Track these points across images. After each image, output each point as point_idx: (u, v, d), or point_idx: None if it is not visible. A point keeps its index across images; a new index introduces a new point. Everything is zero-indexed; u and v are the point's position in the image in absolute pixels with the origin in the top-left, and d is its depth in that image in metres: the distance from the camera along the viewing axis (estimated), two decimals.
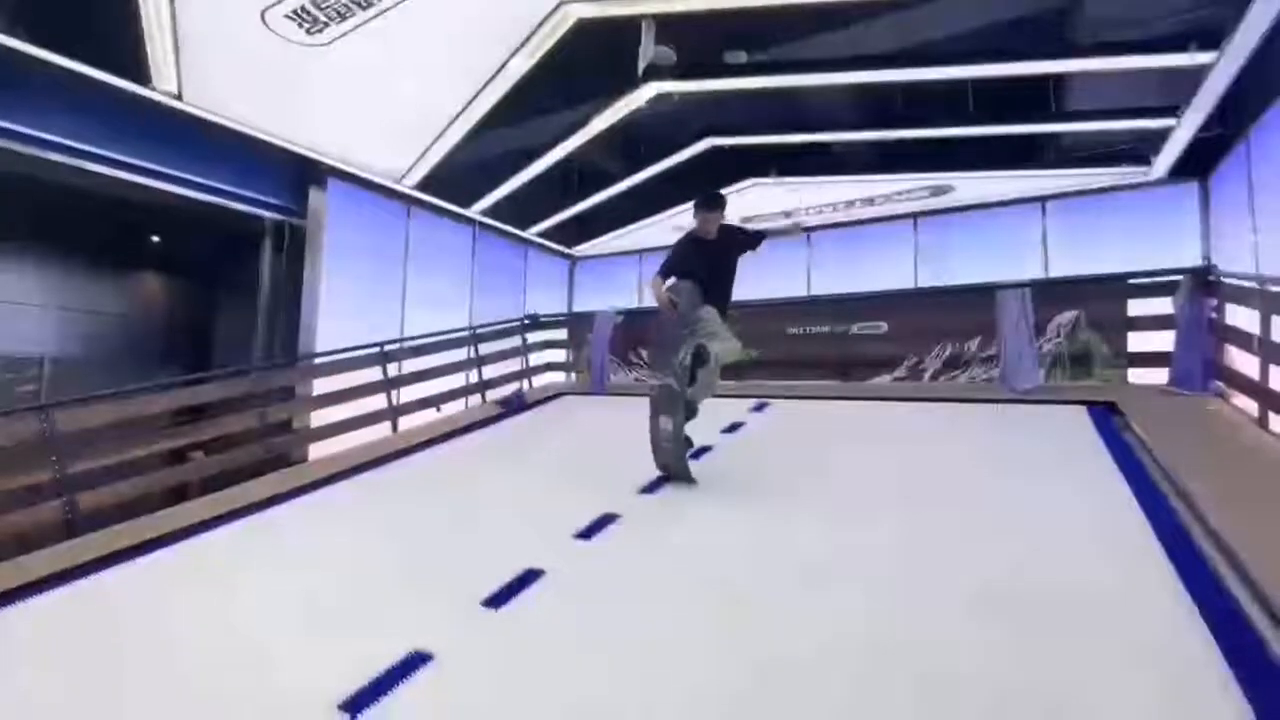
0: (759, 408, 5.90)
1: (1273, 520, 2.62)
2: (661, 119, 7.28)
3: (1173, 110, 6.07)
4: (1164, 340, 5.19)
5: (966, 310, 6.35)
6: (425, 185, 8.34)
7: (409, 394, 6.83)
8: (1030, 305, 5.70)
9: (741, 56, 6.64)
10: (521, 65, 5.78)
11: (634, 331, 8.11)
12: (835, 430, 5.21)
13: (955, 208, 8.96)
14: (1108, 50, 5.71)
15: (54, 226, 8.03)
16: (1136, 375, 5.51)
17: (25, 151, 5.80)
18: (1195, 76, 5.39)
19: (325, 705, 2.05)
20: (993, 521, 3.09)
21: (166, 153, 6.69)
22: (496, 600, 2.68)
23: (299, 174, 7.75)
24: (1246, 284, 4.54)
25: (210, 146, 6.78)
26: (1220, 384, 4.72)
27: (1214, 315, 4.91)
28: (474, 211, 9.52)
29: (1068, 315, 5.79)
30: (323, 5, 4.83)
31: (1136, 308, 5.60)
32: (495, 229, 10.29)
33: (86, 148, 6.14)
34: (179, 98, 5.77)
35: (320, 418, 6.52)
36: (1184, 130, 6.31)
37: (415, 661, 2.26)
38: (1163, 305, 5.25)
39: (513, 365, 8.22)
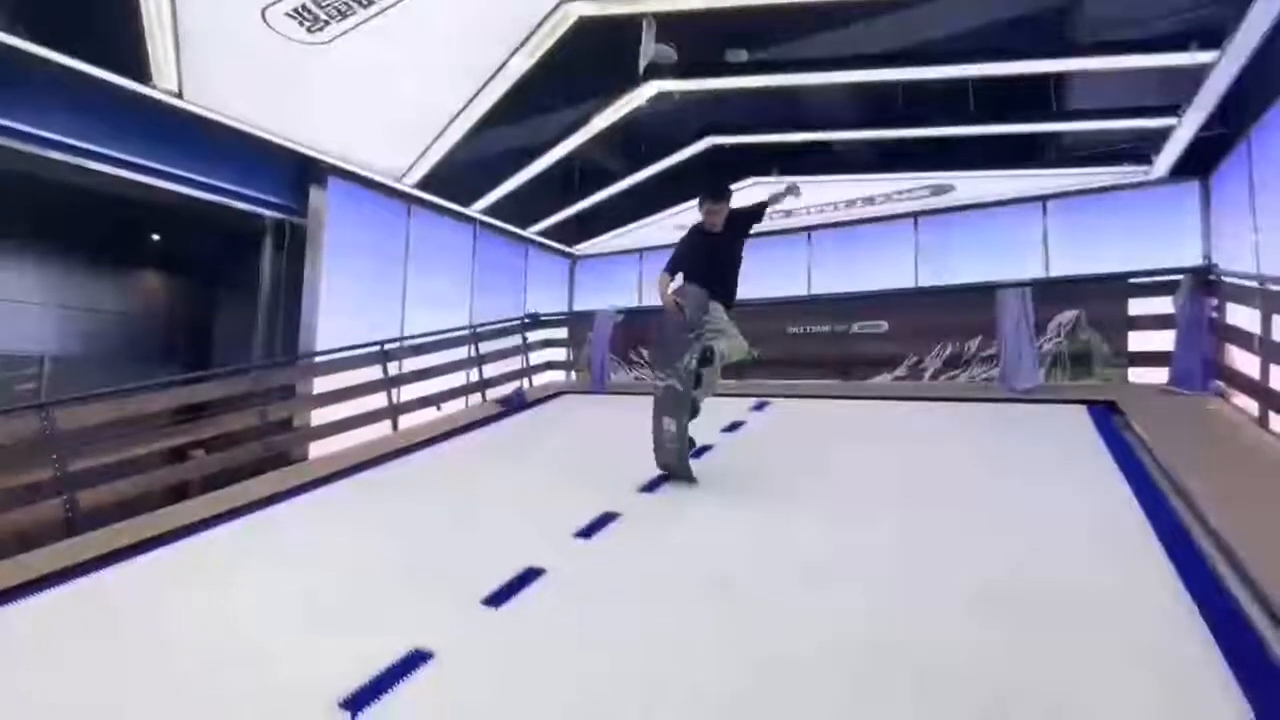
0: (759, 407, 5.90)
1: (1273, 520, 2.62)
2: (662, 118, 7.29)
3: (1174, 109, 6.06)
4: (1164, 340, 5.19)
5: (967, 309, 6.35)
6: (426, 184, 8.33)
7: (409, 392, 6.83)
8: (1030, 304, 5.70)
9: (742, 55, 6.64)
10: (522, 64, 5.78)
11: (634, 330, 8.12)
12: (835, 429, 5.21)
13: (956, 207, 8.96)
14: (1108, 49, 5.71)
15: (54, 225, 8.03)
16: (1137, 374, 5.51)
17: (25, 150, 5.80)
18: (1196, 76, 5.39)
19: (326, 703, 2.06)
20: (993, 521, 3.09)
21: (167, 151, 6.69)
22: (497, 599, 2.68)
23: (299, 172, 7.75)
24: (1247, 283, 4.53)
25: (211, 145, 6.78)
26: (1220, 383, 4.72)
27: (1214, 314, 4.91)
28: (474, 210, 9.52)
29: (1068, 314, 5.79)
30: (323, 3, 4.83)
31: (1137, 307, 5.60)
32: (496, 228, 10.29)
33: (87, 146, 6.14)
34: (179, 96, 5.76)
35: (320, 416, 6.53)
36: (1185, 129, 6.31)
37: (415, 660, 2.26)
38: (1163, 304, 5.24)
39: (513, 364, 8.22)
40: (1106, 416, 4.62)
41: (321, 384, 6.73)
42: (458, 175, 8.29)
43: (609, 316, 8.03)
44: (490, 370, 7.78)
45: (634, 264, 11.57)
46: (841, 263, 9.77)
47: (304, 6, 4.85)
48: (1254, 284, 4.33)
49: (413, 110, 6.65)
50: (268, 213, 7.82)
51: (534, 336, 8.67)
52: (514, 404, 7.07)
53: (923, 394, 6.07)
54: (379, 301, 8.50)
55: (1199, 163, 7.05)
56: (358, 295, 8.17)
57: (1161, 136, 6.65)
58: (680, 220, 9.53)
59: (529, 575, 2.86)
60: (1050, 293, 6.01)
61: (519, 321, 8.62)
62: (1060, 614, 2.24)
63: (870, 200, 9.09)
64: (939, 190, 8.56)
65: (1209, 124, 6.20)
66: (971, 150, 7.63)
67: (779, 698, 1.94)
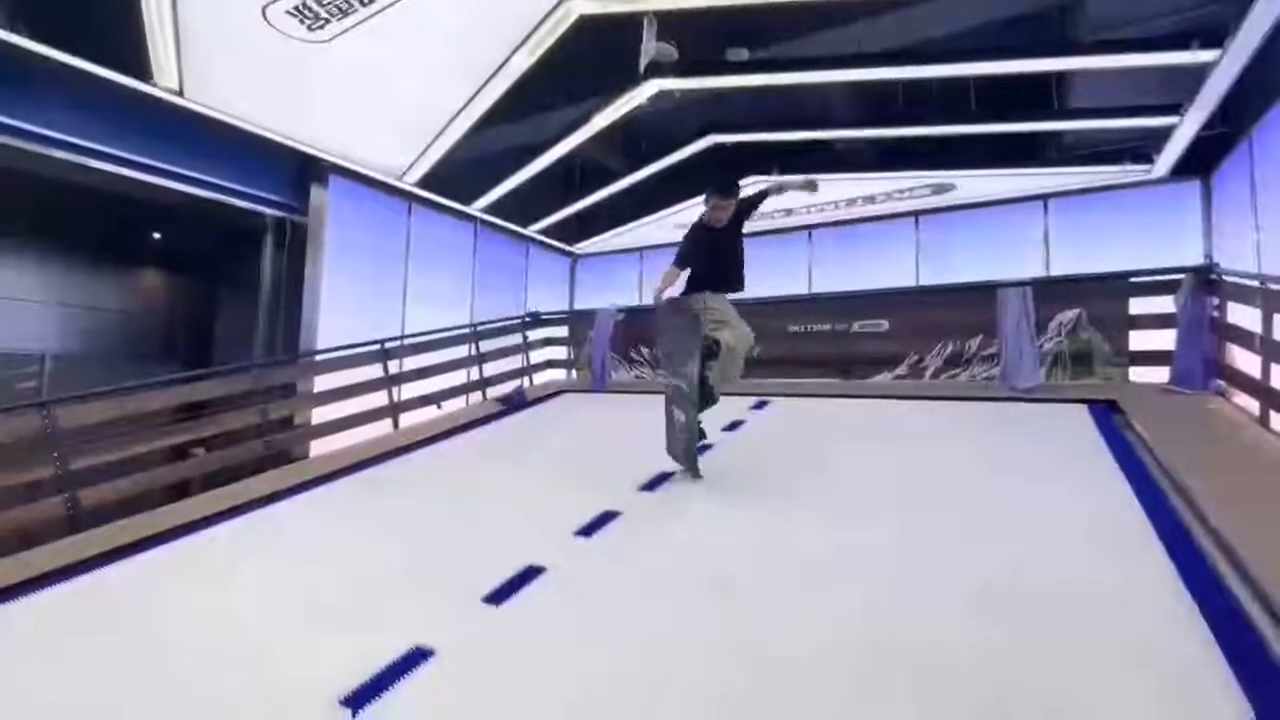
0: (760, 405, 5.90)
1: (1274, 519, 2.62)
2: (663, 116, 7.29)
3: (1175, 108, 6.06)
4: (1165, 339, 5.19)
5: (968, 308, 6.33)
6: (426, 182, 8.34)
7: (410, 391, 6.84)
8: (1031, 303, 5.69)
9: (743, 54, 6.64)
10: (523, 62, 5.78)
11: (635, 329, 8.11)
12: (836, 428, 5.21)
13: (957, 206, 8.95)
14: (1110, 48, 5.71)
15: (55, 223, 8.04)
16: (1138, 374, 5.50)
17: (27, 148, 5.81)
18: (1198, 75, 5.39)
19: (326, 701, 2.06)
20: (993, 520, 3.09)
21: (168, 149, 6.69)
22: (497, 597, 2.69)
23: (300, 171, 7.75)
24: (1248, 282, 4.53)
25: (211, 143, 6.78)
26: (1221, 383, 4.71)
27: (1215, 314, 4.90)
28: (475, 208, 9.52)
29: (1069, 313, 5.78)
30: (324, 2, 4.83)
31: (1138, 306, 5.59)
32: (496, 226, 10.29)
33: (88, 144, 6.14)
34: (180, 94, 5.77)
35: (321, 415, 6.53)
36: (1186, 128, 6.30)
37: (416, 657, 2.26)
38: (1164, 304, 5.24)
39: (514, 362, 8.23)
40: (1107, 416, 4.62)
41: (322, 382, 6.74)
42: (458, 173, 8.30)
43: (609, 315, 8.02)
44: (491, 369, 7.78)
45: (635, 263, 11.57)
46: (842, 261, 9.77)
47: (305, 4, 4.85)
48: (1255, 283, 4.32)
49: (413, 108, 6.65)
50: (268, 211, 7.82)
51: (534, 335, 8.67)
52: (514, 403, 7.07)
53: (923, 393, 6.07)
54: (380, 300, 8.51)
55: (1200, 162, 7.05)
56: (358, 293, 8.17)
57: (1163, 135, 6.64)
58: (681, 219, 9.54)
59: (529, 573, 2.86)
60: (1051, 292, 6.00)
61: (519, 320, 8.62)
62: (1061, 613, 2.24)
63: (871, 199, 9.08)
64: (940, 189, 8.55)
65: (1210, 123, 6.20)
66: (972, 149, 7.62)
67: (779, 697, 1.94)
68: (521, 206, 9.77)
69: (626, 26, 5.61)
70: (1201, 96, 5.62)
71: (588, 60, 5.94)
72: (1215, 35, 4.97)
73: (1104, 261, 6.81)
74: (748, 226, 4.27)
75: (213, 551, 3.57)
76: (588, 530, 3.35)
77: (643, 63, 5.86)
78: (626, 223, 10.28)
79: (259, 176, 7.57)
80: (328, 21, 5.06)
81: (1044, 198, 8.40)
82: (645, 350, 8.07)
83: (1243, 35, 4.71)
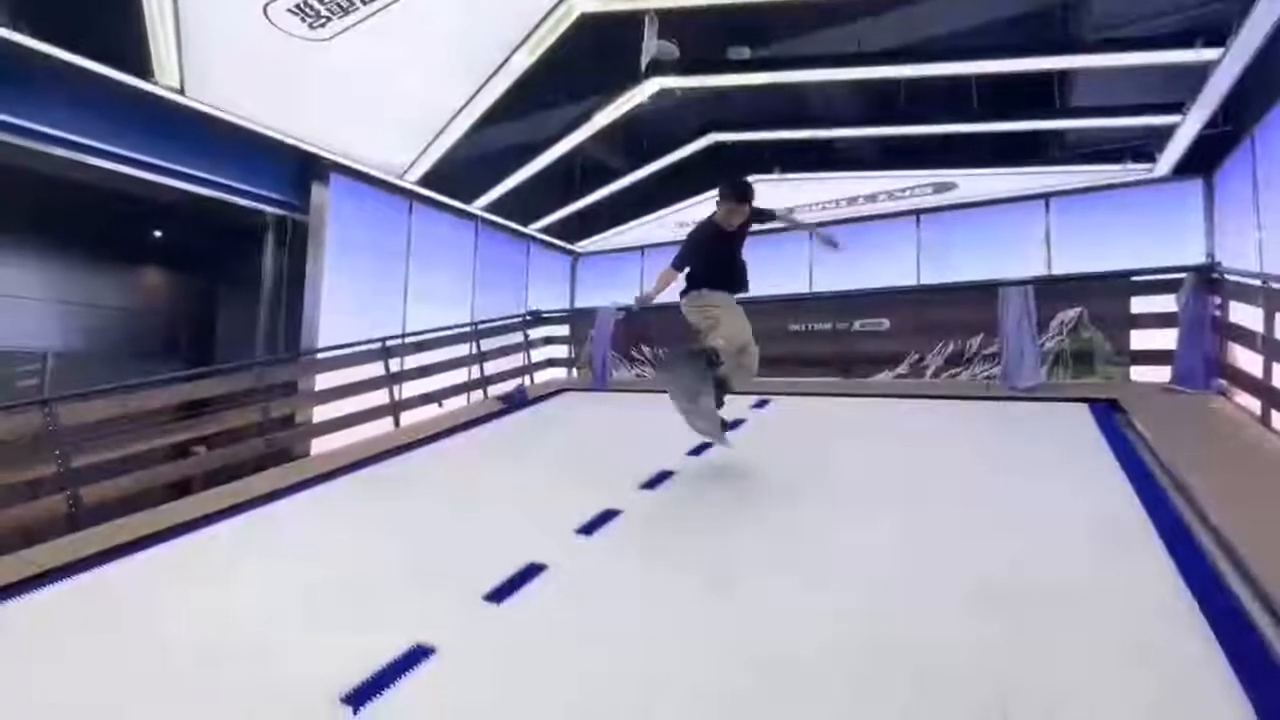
0: (760, 404, 5.90)
1: (1274, 518, 2.62)
2: (664, 115, 7.29)
3: (1178, 107, 6.04)
4: (1167, 338, 5.18)
5: (969, 307, 6.32)
6: (427, 180, 8.34)
7: (411, 389, 6.84)
8: (1033, 302, 5.68)
9: (744, 52, 6.63)
10: (524, 61, 5.77)
11: (636, 328, 8.11)
12: (836, 427, 5.21)
13: (958, 204, 8.94)
14: (1112, 46, 5.70)
15: (56, 221, 8.04)
16: (1139, 373, 5.50)
17: (27, 145, 5.81)
18: (1200, 73, 5.37)
19: (327, 698, 2.06)
20: (994, 519, 3.09)
21: (169, 147, 6.69)
22: (498, 595, 2.69)
23: (301, 169, 7.75)
24: (1250, 281, 4.52)
25: (213, 141, 6.78)
26: (1223, 382, 4.71)
27: (1217, 313, 4.90)
28: (476, 207, 9.52)
29: (1070, 312, 5.77)
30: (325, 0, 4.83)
31: (1139, 305, 5.58)
32: (497, 224, 10.29)
33: (89, 142, 6.14)
34: (181, 92, 5.77)
35: (322, 413, 6.54)
36: (1189, 127, 6.29)
37: (417, 655, 2.27)
38: (1166, 303, 5.23)
39: (515, 361, 8.23)
40: (1108, 414, 4.61)
41: (323, 380, 6.74)
42: (459, 172, 8.30)
43: (610, 314, 8.02)
44: (492, 367, 7.78)
45: (636, 261, 11.56)
46: (843, 260, 9.70)
47: (306, 2, 4.85)
48: (1257, 282, 4.31)
49: (415, 106, 6.65)
50: (269, 209, 7.83)
51: (535, 334, 8.67)
52: (515, 401, 7.07)
53: (924, 392, 6.06)
54: (380, 298, 8.51)
55: (1203, 160, 7.03)
56: (359, 292, 8.18)
57: (1165, 134, 6.63)
58: (682, 218, 9.55)
59: (530, 571, 2.87)
60: (1053, 291, 5.99)
61: (520, 318, 8.62)
62: (1061, 612, 2.24)
63: (872, 198, 9.07)
64: (941, 188, 8.54)
65: (1213, 122, 6.19)
66: (974, 148, 7.61)
67: (779, 697, 1.94)
68: (522, 205, 9.77)
69: (628, 25, 5.61)
70: (1204, 95, 5.60)
71: (589, 58, 5.94)
72: (1218, 34, 4.95)
73: (1106, 260, 6.79)
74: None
75: (213, 549, 3.58)
76: (588, 529, 3.36)
77: (644, 61, 5.86)
78: (627, 221, 10.28)
79: (260, 174, 7.57)
80: (329, 19, 5.06)
81: (1046, 196, 8.39)
82: (646, 349, 8.07)
83: (1245, 34, 4.70)
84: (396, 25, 5.12)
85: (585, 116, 7.07)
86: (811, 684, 1.99)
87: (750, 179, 4.16)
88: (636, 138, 8.48)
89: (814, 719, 1.85)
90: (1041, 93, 7.13)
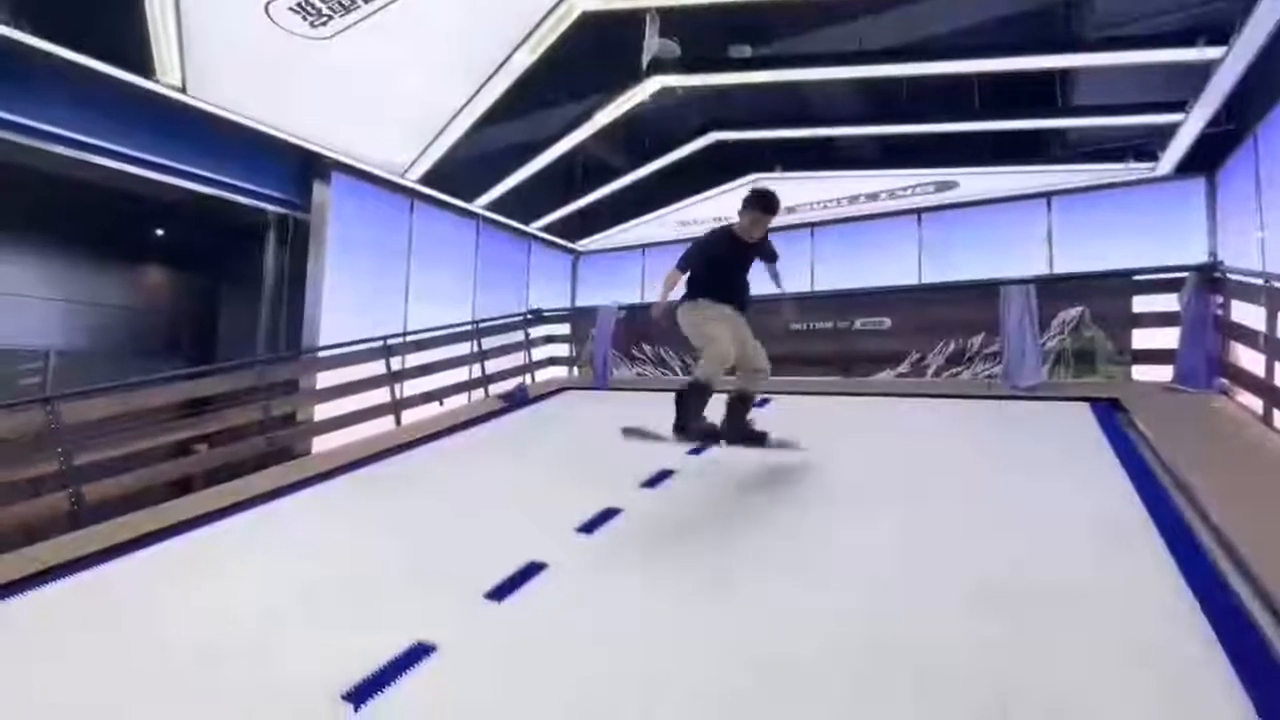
0: (761, 403, 5.89)
1: (1276, 517, 2.61)
2: (665, 113, 7.27)
3: (1180, 106, 6.02)
4: (1169, 337, 5.17)
5: (970, 306, 6.31)
6: (429, 179, 8.33)
7: (412, 388, 6.84)
8: (1034, 301, 5.68)
9: (746, 50, 6.62)
10: (525, 59, 5.77)
11: (637, 327, 8.11)
12: (837, 426, 5.20)
13: (960, 203, 8.91)
14: (1114, 45, 5.68)
15: (58, 219, 8.05)
16: (1141, 372, 5.49)
17: (29, 144, 5.81)
18: (1203, 71, 5.35)
19: (328, 696, 2.07)
20: (995, 518, 3.09)
21: (171, 146, 6.69)
22: (499, 593, 2.69)
23: (303, 167, 7.75)
24: (1252, 280, 4.51)
25: (214, 140, 6.78)
26: (1225, 381, 4.70)
27: (1219, 312, 4.89)
28: (477, 206, 9.51)
29: (1072, 311, 5.76)
30: None
31: (1141, 304, 5.57)
32: (499, 223, 10.28)
33: (91, 140, 6.14)
34: (183, 91, 5.77)
35: (323, 411, 6.54)
36: (1191, 126, 6.26)
37: (418, 653, 2.27)
38: (1168, 302, 5.22)
39: (516, 360, 8.23)
40: (1110, 414, 4.61)
41: (324, 379, 6.74)
42: (460, 171, 8.29)
43: (611, 313, 8.03)
44: (493, 366, 7.78)
45: (637, 260, 11.55)
46: (844, 259, 9.73)
47: (307, 1, 4.85)
48: (1259, 281, 4.31)
49: (416, 105, 6.64)
50: (271, 207, 7.82)
51: (536, 332, 8.68)
52: (516, 400, 7.08)
53: (925, 391, 6.06)
54: (382, 297, 8.51)
55: (1205, 159, 7.01)
56: (360, 290, 8.18)
57: (1167, 133, 6.60)
58: (683, 216, 9.54)
59: (531, 570, 2.87)
60: (1054, 290, 5.98)
61: (522, 317, 8.62)
62: (1062, 611, 2.24)
63: (874, 196, 9.05)
64: (943, 186, 8.52)
65: (1215, 120, 6.16)
66: (976, 146, 7.59)
67: (779, 697, 1.95)
68: (524, 203, 9.76)
69: (628, 23, 5.60)
70: (1206, 93, 5.58)
71: (590, 57, 5.93)
72: (1221, 32, 4.93)
73: (1107, 259, 6.78)
74: None
75: (215, 547, 3.58)
76: (589, 527, 3.36)
77: (645, 59, 5.85)
78: (629, 220, 10.26)
79: (262, 173, 7.56)
80: (330, 18, 5.05)
81: (1047, 195, 8.36)
82: (647, 348, 8.07)
83: (1248, 32, 4.68)
84: (398, 24, 5.12)
85: (586, 115, 7.06)
86: (811, 684, 1.99)
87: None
88: (637, 136, 8.46)
89: (814, 719, 1.86)
90: (1043, 91, 7.11)
